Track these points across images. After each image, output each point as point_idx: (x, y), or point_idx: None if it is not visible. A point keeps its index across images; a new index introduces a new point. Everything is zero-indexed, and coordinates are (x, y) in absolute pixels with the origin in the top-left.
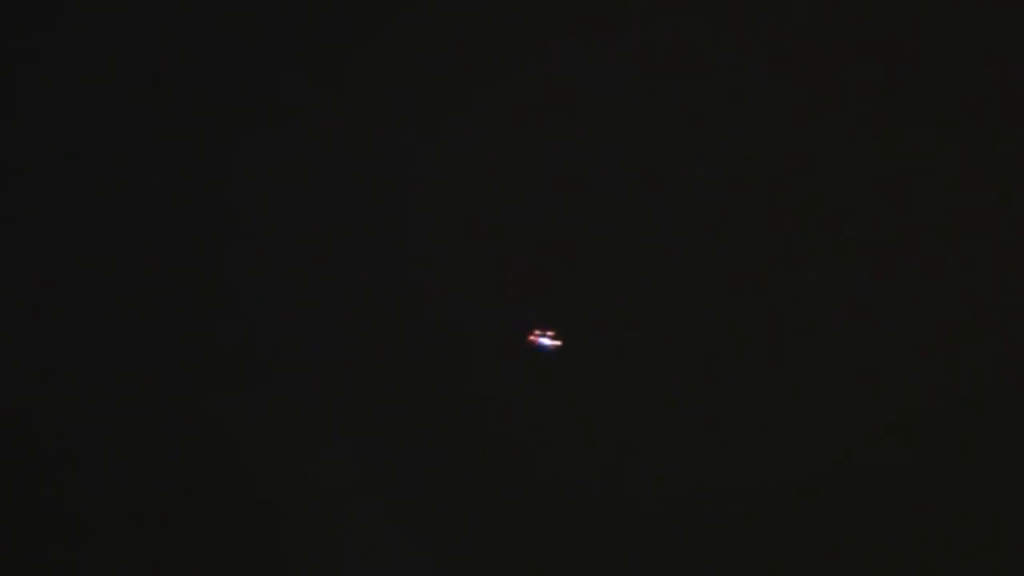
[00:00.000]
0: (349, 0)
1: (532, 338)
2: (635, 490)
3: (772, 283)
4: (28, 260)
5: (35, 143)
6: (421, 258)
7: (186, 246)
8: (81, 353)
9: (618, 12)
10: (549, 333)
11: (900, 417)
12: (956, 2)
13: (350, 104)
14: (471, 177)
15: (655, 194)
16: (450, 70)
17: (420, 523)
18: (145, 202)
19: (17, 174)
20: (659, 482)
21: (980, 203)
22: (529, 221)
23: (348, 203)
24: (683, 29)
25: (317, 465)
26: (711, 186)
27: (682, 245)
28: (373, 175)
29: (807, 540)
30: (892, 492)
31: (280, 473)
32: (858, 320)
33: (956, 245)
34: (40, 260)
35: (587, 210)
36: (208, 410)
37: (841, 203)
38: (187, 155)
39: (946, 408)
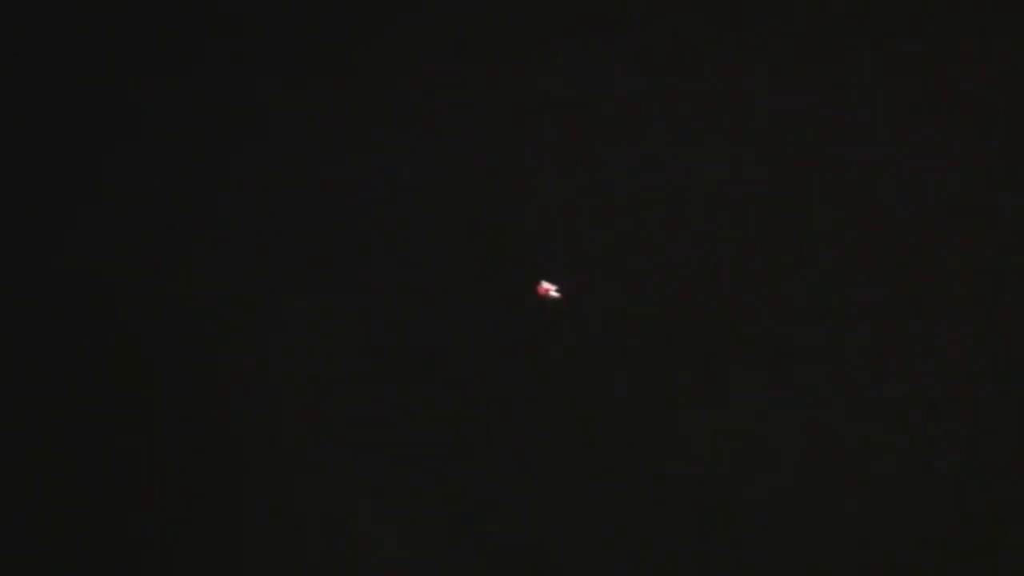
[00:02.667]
0: (349, 0)
1: (542, 290)
2: (639, 490)
3: (774, 285)
4: (27, 260)
5: (34, 143)
6: (421, 258)
7: (186, 246)
8: (81, 353)
9: (618, 12)
10: (553, 286)
11: (907, 416)
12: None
13: (350, 104)
14: (471, 177)
15: (657, 195)
16: (450, 70)
17: (421, 524)
18: (144, 202)
19: (16, 174)
20: (660, 482)
21: (983, 204)
22: (530, 221)
23: (348, 203)
24: (684, 29)
25: (317, 466)
26: (715, 186)
27: (684, 246)
28: (373, 175)
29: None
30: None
31: (279, 473)
32: (862, 320)
33: (960, 247)
34: (39, 260)
35: (588, 210)
36: (208, 410)
37: (845, 204)
38: (187, 155)
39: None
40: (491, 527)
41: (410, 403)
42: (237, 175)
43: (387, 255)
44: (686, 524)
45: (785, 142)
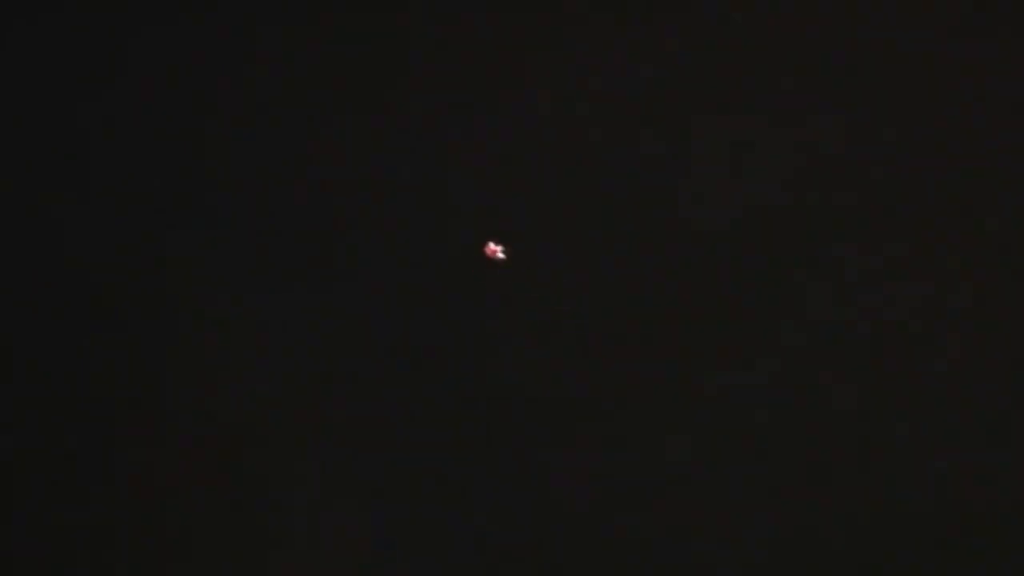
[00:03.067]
0: (350, 1)
1: (489, 250)
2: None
3: (774, 285)
4: (27, 260)
5: (34, 143)
6: (421, 258)
7: (186, 246)
8: (81, 353)
9: (624, 14)
10: (500, 247)
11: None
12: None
13: (351, 104)
14: (473, 178)
15: (656, 195)
16: (451, 71)
17: (417, 522)
18: (145, 202)
19: (16, 174)
20: (659, 482)
21: (983, 204)
22: (530, 222)
23: (348, 203)
24: (686, 30)
25: (312, 465)
26: (715, 186)
27: (685, 246)
28: (374, 175)
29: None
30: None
31: (278, 474)
32: (862, 323)
33: (960, 247)
34: (39, 260)
35: (588, 211)
36: (207, 409)
37: (845, 204)
38: (186, 155)
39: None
40: (491, 527)
41: (411, 403)
42: (234, 174)
43: (385, 255)
44: (685, 524)
45: (784, 141)
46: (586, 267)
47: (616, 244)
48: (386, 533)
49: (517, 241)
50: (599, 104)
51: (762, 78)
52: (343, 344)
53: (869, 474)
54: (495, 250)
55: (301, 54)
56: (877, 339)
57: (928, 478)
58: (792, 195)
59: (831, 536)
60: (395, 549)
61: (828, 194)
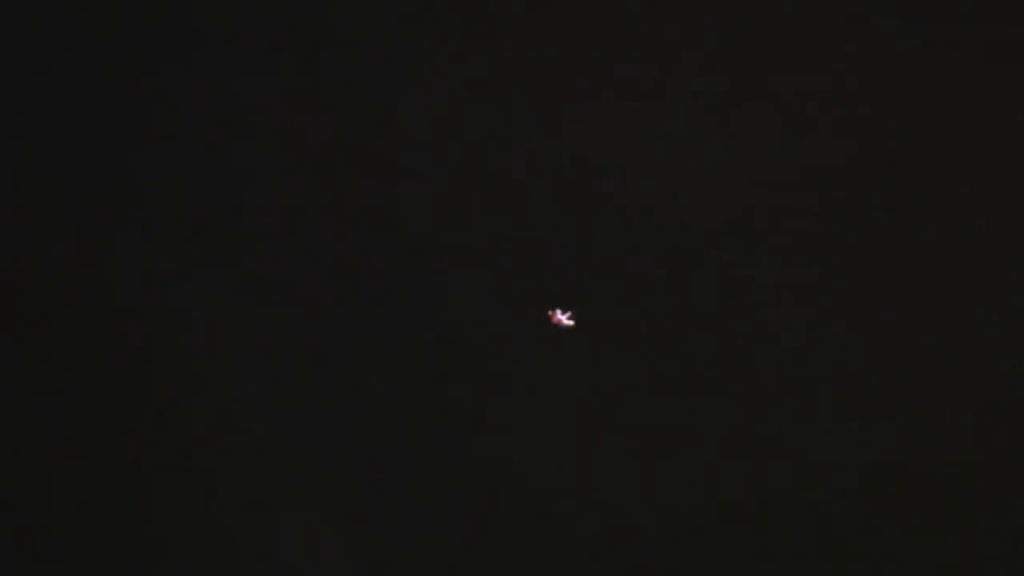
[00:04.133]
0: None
1: (553, 317)
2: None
3: (776, 286)
4: (29, 260)
5: (36, 144)
6: (422, 258)
7: (187, 245)
8: (73, 357)
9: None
10: (566, 314)
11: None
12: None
13: (353, 105)
14: (472, 178)
15: (657, 196)
16: (449, 70)
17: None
18: (148, 200)
19: (16, 175)
20: (662, 481)
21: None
22: (530, 221)
23: (348, 202)
24: (686, 30)
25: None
26: (715, 188)
27: (683, 246)
28: (373, 174)
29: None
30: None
31: (271, 477)
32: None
33: (961, 247)
34: (38, 258)
35: (590, 211)
36: (207, 406)
37: (846, 204)
38: (190, 154)
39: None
40: (486, 534)
41: (410, 401)
42: (232, 174)
43: (387, 254)
44: (685, 524)
45: (784, 141)
46: (586, 267)
47: (616, 244)
48: (372, 556)
49: (517, 241)
50: (598, 104)
51: (762, 78)
52: (343, 344)
53: (868, 473)
54: (560, 319)
55: (301, 54)
56: (876, 338)
57: (927, 476)
58: (791, 195)
59: (830, 536)
60: (381, 567)
61: (828, 194)
